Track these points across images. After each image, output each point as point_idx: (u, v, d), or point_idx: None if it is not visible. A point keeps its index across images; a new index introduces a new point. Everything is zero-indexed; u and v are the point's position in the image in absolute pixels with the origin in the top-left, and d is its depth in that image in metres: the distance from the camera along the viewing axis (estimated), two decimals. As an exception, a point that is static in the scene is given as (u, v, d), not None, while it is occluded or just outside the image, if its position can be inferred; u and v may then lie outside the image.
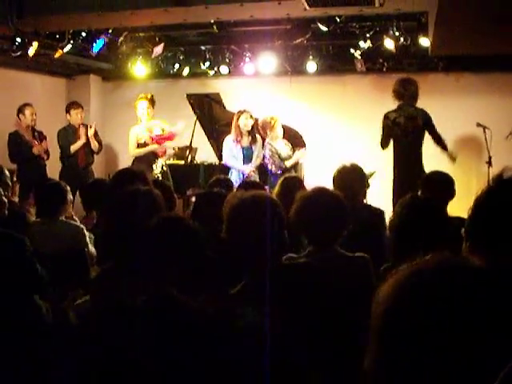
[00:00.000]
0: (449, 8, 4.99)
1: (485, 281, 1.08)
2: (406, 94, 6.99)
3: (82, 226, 4.48)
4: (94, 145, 8.60)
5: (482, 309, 1.04)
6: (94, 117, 9.80)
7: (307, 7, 5.76)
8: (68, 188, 4.71)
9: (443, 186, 4.56)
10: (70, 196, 4.74)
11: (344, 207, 3.16)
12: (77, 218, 4.96)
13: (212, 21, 7.30)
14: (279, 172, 7.52)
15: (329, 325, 2.76)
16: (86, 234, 4.42)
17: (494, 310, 1.04)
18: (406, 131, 7.00)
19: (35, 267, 3.17)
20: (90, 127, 8.56)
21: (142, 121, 8.10)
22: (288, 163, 7.63)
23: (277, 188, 4.68)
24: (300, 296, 2.59)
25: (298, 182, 4.74)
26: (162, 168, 8.01)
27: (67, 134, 8.59)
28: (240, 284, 2.63)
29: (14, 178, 6.18)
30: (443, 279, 1.08)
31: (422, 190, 4.59)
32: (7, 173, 5.50)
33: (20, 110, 8.13)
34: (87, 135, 8.52)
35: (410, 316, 1.07)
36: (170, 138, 8.09)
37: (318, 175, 8.81)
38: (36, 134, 8.16)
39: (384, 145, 7.19)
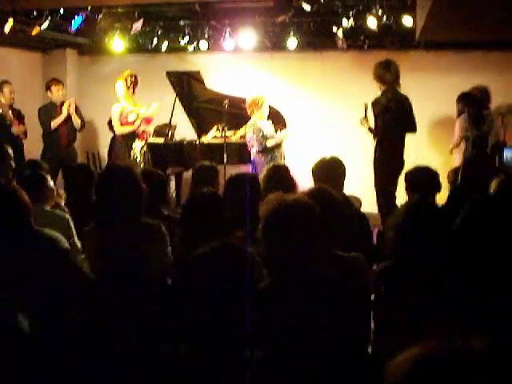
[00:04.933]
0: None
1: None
2: (391, 76, 6.72)
3: (67, 216, 4.38)
4: (77, 122, 8.45)
5: None
6: (71, 92, 9.61)
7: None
8: (47, 176, 4.55)
9: (429, 185, 4.52)
10: (50, 183, 4.55)
11: (342, 212, 3.16)
12: (64, 206, 4.84)
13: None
14: (259, 149, 7.51)
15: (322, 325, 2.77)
16: (71, 224, 4.34)
17: None
18: (396, 116, 6.74)
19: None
20: (70, 104, 8.40)
21: (122, 101, 8.00)
22: (269, 143, 7.59)
23: (264, 175, 4.66)
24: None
25: (285, 172, 4.72)
26: (142, 148, 7.90)
27: (48, 111, 8.42)
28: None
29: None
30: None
31: (408, 191, 4.59)
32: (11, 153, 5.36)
33: (-2, 88, 7.91)
34: (69, 111, 8.36)
35: None
36: (148, 121, 8.06)
37: (297, 152, 8.81)
38: (15, 113, 7.98)
39: (381, 135, 6.87)
